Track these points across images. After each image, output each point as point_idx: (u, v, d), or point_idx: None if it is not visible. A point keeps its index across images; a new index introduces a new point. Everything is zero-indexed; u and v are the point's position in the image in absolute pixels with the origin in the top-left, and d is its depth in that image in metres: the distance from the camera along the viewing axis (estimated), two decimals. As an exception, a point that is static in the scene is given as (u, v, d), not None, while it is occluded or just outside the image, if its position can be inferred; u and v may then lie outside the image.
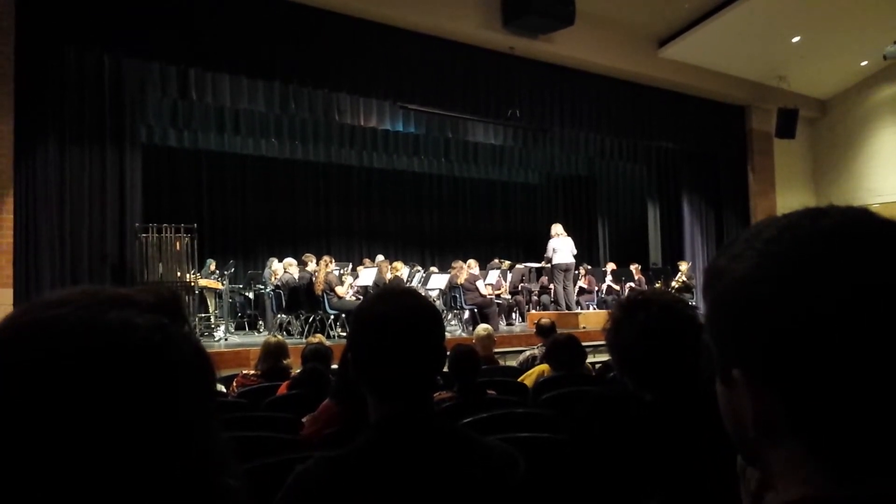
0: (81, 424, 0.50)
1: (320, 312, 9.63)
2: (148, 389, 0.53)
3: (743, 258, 0.58)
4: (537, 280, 13.18)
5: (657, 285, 12.52)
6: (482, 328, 6.39)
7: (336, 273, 10.15)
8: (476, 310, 10.43)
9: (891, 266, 0.53)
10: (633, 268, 13.60)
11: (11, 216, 7.52)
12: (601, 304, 12.70)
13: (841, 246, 0.54)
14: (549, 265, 11.71)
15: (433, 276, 11.10)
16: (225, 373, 6.05)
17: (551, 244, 11.31)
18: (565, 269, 11.26)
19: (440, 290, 10.84)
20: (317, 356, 4.65)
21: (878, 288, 0.52)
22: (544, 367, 4.89)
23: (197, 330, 9.08)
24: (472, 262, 11.23)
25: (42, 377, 0.51)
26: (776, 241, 0.57)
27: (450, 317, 11.23)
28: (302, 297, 9.78)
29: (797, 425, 0.55)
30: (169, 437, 0.54)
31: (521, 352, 7.22)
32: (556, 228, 11.38)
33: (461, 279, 10.51)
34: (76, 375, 0.51)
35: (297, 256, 10.79)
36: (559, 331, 6.33)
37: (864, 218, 0.56)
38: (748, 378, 0.57)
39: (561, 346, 4.57)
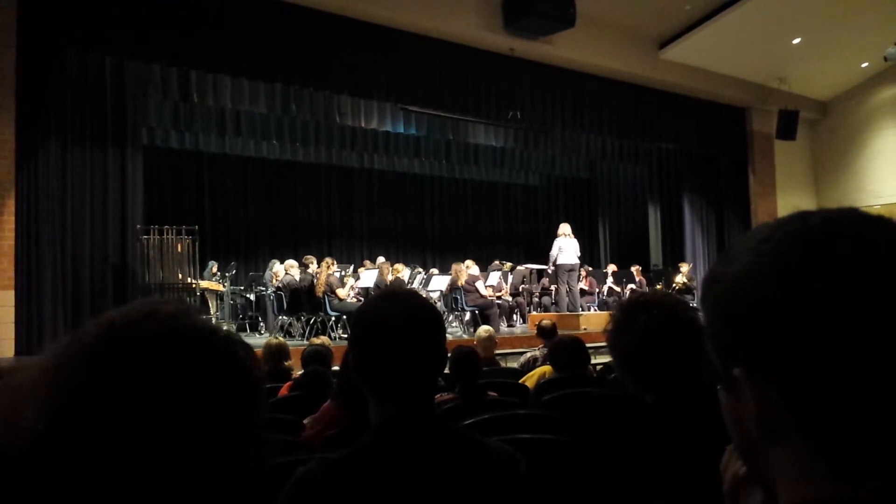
0: (185, 419, 0.60)
1: (321, 314, 9.62)
2: (245, 394, 0.65)
3: (738, 259, 0.59)
4: (538, 282, 13.17)
5: (658, 287, 12.50)
6: (483, 329, 6.38)
7: (337, 275, 10.15)
8: (477, 311, 10.42)
9: (878, 260, 0.54)
10: (634, 269, 13.60)
11: (13, 218, 7.53)
12: (602, 306, 12.68)
13: (829, 240, 0.55)
14: (553, 266, 11.62)
15: (434, 278, 11.10)
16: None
17: (557, 243, 11.20)
18: (569, 269, 11.21)
19: (441, 291, 10.84)
20: (317, 358, 4.65)
21: (868, 282, 0.53)
22: (546, 368, 4.89)
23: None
24: (469, 262, 11.22)
25: (174, 380, 0.61)
26: (768, 240, 0.58)
27: (451, 318, 11.22)
28: (303, 299, 9.78)
29: (798, 423, 0.55)
30: (248, 435, 0.64)
31: (523, 353, 7.22)
32: (564, 228, 11.30)
33: (462, 281, 10.51)
34: (207, 377, 0.62)
35: (299, 258, 10.78)
36: (560, 332, 6.33)
37: (852, 214, 0.57)
38: (749, 376, 0.58)
39: (564, 348, 4.56)
